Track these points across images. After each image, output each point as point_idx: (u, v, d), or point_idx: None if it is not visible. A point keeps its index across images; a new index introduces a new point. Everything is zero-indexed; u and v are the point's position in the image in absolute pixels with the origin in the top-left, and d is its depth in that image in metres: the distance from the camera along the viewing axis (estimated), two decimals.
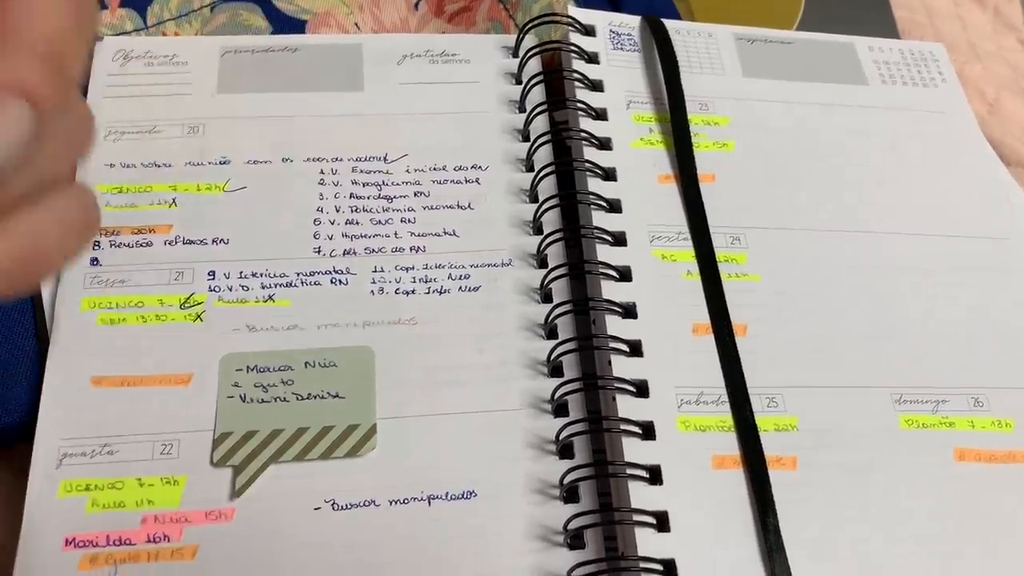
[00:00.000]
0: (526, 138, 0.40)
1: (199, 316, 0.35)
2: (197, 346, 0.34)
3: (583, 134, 0.39)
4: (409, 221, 0.38)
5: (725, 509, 0.33)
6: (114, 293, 0.35)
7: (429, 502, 0.32)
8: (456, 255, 0.37)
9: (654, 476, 0.33)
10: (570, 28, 0.43)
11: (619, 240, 0.37)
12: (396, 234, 0.38)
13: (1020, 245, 0.41)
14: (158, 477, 0.32)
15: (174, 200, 0.37)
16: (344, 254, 0.37)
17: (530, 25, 0.42)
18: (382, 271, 0.37)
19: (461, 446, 0.33)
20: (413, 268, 0.37)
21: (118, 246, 0.36)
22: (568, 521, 0.32)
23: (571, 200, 0.38)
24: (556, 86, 0.42)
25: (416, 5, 0.45)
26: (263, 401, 0.33)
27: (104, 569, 0.30)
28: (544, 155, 0.40)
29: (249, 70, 0.41)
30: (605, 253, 0.37)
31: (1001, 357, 0.38)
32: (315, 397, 0.34)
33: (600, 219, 0.38)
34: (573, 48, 0.42)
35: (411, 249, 0.37)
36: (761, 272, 0.38)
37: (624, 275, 0.37)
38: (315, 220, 0.38)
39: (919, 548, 0.33)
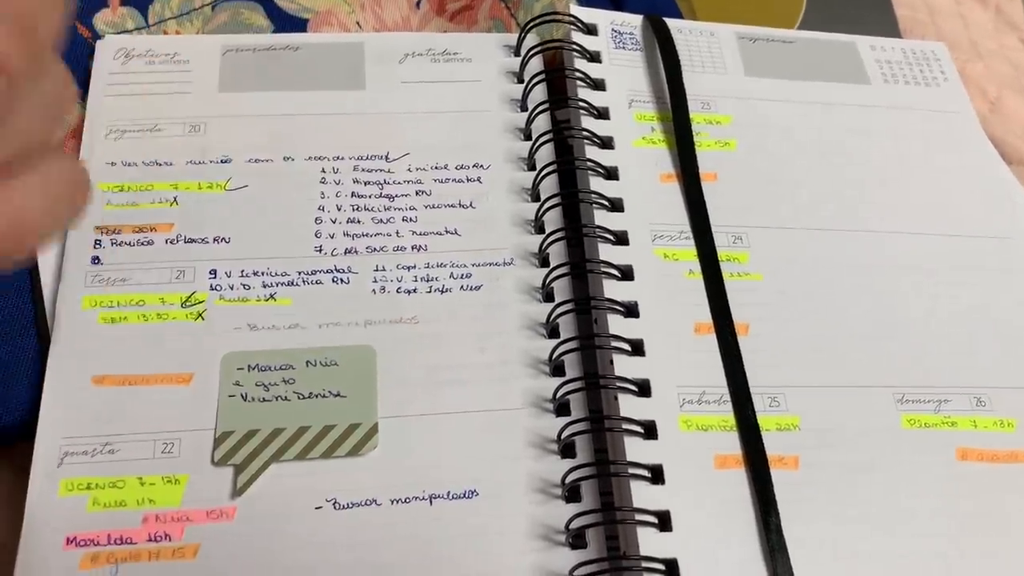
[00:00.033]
0: (528, 137, 0.40)
1: (200, 315, 0.35)
2: (198, 345, 0.34)
3: (585, 133, 0.39)
4: (411, 220, 0.38)
5: (727, 509, 0.33)
6: (115, 292, 0.35)
7: (431, 501, 0.32)
8: (458, 254, 0.37)
9: (656, 476, 0.33)
10: (572, 27, 0.42)
11: (621, 239, 0.37)
12: (398, 233, 0.38)
13: (1022, 244, 0.41)
14: (159, 476, 0.32)
15: (175, 199, 0.37)
16: (345, 253, 0.37)
17: (532, 24, 0.42)
18: (384, 270, 0.37)
19: (463, 445, 0.33)
20: (415, 267, 0.37)
21: (119, 245, 0.36)
22: (570, 520, 0.32)
23: (573, 199, 0.38)
24: (558, 85, 0.42)
25: (418, 4, 0.45)
26: (264, 400, 0.33)
27: (105, 568, 0.30)
28: (546, 154, 0.40)
29: (250, 69, 0.41)
30: (607, 252, 0.37)
31: (1004, 357, 0.38)
32: (316, 396, 0.34)
33: (602, 218, 0.38)
34: (575, 47, 0.42)
35: (413, 248, 0.37)
36: (763, 271, 0.38)
37: (626, 274, 0.37)
38: (316, 219, 0.38)
39: (921, 548, 0.33)
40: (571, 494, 0.33)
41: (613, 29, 0.43)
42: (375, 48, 0.42)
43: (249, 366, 0.34)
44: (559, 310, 0.35)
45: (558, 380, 0.34)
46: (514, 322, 0.36)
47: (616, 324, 0.35)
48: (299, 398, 0.34)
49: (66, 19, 0.17)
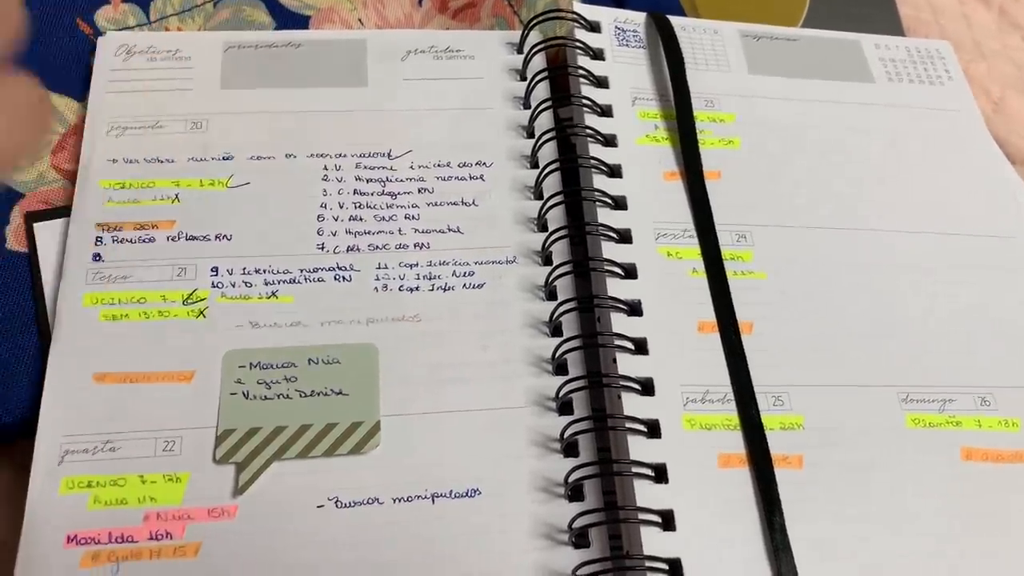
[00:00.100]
0: (531, 134, 0.40)
1: (202, 312, 0.35)
2: (200, 343, 0.34)
3: (588, 130, 0.39)
4: (413, 218, 0.38)
5: (731, 508, 0.33)
6: (116, 289, 0.35)
7: (433, 500, 0.32)
8: (460, 252, 0.37)
9: (659, 474, 0.32)
10: (575, 24, 0.42)
11: (624, 237, 0.37)
12: (400, 231, 0.37)
13: None
14: (160, 474, 0.32)
15: (177, 196, 0.37)
16: (348, 251, 0.37)
17: (535, 21, 0.42)
18: (386, 268, 0.37)
19: (465, 444, 0.33)
20: (417, 265, 0.37)
21: (120, 242, 0.36)
22: (573, 519, 0.32)
23: (576, 197, 0.38)
24: (561, 82, 0.42)
25: (420, 1, 0.45)
26: (266, 398, 0.33)
27: (106, 566, 0.30)
28: (549, 151, 0.39)
29: (252, 66, 0.41)
30: (610, 250, 0.37)
31: (1008, 356, 0.38)
32: (318, 394, 0.34)
33: (605, 216, 0.38)
34: (578, 44, 0.41)
35: (415, 246, 0.37)
36: (767, 270, 0.38)
37: (629, 272, 0.36)
38: (319, 216, 0.37)
39: (925, 547, 0.33)
40: (574, 493, 0.33)
41: (616, 26, 0.43)
42: (377, 45, 0.42)
43: (251, 364, 0.34)
44: (562, 308, 0.35)
45: (561, 379, 0.34)
46: (517, 320, 0.36)
47: (619, 323, 0.35)
48: (301, 396, 0.33)
49: None
